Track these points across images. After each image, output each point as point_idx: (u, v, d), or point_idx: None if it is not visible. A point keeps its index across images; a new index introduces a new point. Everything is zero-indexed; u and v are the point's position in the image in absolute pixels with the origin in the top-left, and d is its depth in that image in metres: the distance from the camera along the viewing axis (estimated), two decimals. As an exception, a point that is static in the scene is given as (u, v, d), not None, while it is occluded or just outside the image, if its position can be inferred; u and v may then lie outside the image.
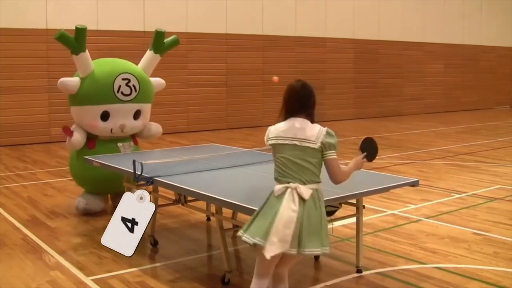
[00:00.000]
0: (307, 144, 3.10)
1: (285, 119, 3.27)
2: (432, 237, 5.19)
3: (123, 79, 6.09)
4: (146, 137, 6.67)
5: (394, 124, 15.78)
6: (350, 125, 15.26)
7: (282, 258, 3.14)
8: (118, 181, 5.60)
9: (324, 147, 3.10)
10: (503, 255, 4.69)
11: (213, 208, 4.25)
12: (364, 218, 4.49)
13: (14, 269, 4.43)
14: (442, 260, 4.59)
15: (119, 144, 6.23)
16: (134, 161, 4.45)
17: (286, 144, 3.15)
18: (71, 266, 4.48)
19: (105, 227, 3.29)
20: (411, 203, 6.45)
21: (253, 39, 15.12)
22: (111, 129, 6.14)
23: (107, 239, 3.24)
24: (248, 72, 15.06)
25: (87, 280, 4.18)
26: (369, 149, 3.52)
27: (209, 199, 4.10)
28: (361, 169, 3.57)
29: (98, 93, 6.02)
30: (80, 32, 5.94)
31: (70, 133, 6.08)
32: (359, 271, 4.27)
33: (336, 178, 3.18)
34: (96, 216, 6.02)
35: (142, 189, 3.39)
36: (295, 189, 3.04)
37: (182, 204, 4.77)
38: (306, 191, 3.04)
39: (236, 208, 3.78)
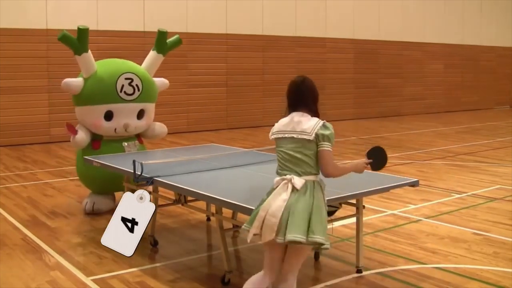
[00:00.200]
0: (303, 136, 3.15)
1: (288, 114, 3.35)
2: (432, 237, 5.19)
3: (126, 78, 6.12)
4: (150, 137, 6.70)
5: (394, 124, 15.79)
6: (350, 125, 15.25)
7: (285, 254, 3.17)
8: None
9: (318, 138, 3.14)
10: (503, 255, 4.69)
11: (213, 208, 4.25)
12: (364, 218, 4.49)
13: (14, 269, 4.43)
14: (442, 260, 4.59)
15: (124, 144, 6.25)
16: (134, 161, 4.45)
17: (285, 137, 3.23)
18: (71, 266, 4.48)
19: (105, 227, 3.29)
20: (411, 203, 6.45)
21: (253, 39, 15.12)
22: (115, 129, 6.16)
23: (107, 239, 3.24)
24: (248, 72, 15.07)
25: (87, 280, 4.18)
26: (377, 158, 3.46)
27: (209, 199, 4.10)
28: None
29: (101, 93, 6.06)
30: (82, 32, 5.99)
31: (74, 131, 6.09)
32: (359, 271, 4.27)
33: (325, 170, 3.17)
34: (96, 216, 6.02)
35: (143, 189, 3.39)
36: (290, 180, 3.11)
37: (182, 204, 4.77)
38: (299, 181, 3.11)
39: (236, 208, 3.78)
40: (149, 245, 4.96)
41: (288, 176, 3.13)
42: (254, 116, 15.26)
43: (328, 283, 4.12)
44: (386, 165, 3.53)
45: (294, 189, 3.09)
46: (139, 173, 4.44)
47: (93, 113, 6.11)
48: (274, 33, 15.49)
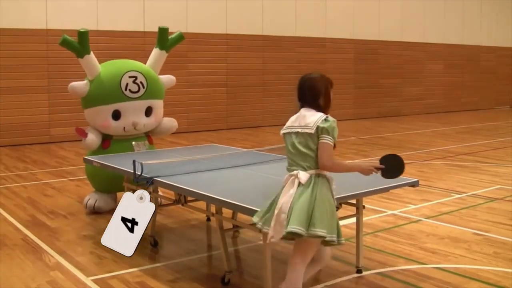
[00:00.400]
0: (306, 130, 3.21)
1: (299, 110, 3.40)
2: (432, 237, 5.19)
3: (130, 76, 6.17)
4: (161, 133, 6.75)
5: (394, 124, 15.79)
6: (350, 125, 15.25)
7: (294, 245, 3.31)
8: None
9: (318, 131, 3.18)
10: (503, 255, 4.69)
11: (213, 208, 4.25)
12: (364, 218, 4.49)
13: (14, 269, 4.43)
14: (442, 260, 4.59)
15: (134, 143, 6.28)
16: (134, 161, 4.45)
17: (292, 132, 3.31)
18: (71, 266, 4.48)
19: (105, 227, 3.29)
20: (411, 203, 6.44)
21: (253, 39, 15.12)
22: (124, 127, 6.20)
23: (107, 239, 3.24)
24: (248, 73, 15.07)
25: (87, 280, 4.18)
26: (392, 166, 3.34)
27: (209, 199, 4.10)
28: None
29: (106, 93, 6.11)
30: (83, 35, 6.05)
31: (83, 134, 6.13)
32: (359, 271, 4.27)
33: (321, 161, 3.17)
34: (96, 216, 6.02)
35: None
36: (296, 175, 3.18)
37: (182, 204, 4.76)
38: (304, 175, 3.17)
39: (236, 208, 3.78)
40: (149, 245, 4.96)
41: (295, 172, 3.21)
42: (254, 116, 15.26)
43: (328, 283, 4.12)
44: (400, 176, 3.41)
45: (300, 183, 3.15)
46: (139, 173, 4.43)
47: (101, 114, 6.15)
48: (274, 33, 15.49)
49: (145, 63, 6.58)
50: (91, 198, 6.20)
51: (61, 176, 8.31)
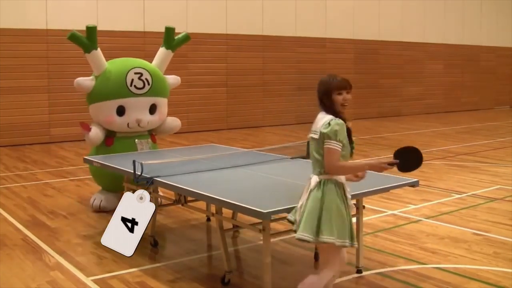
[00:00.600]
0: (315, 136, 3.24)
1: None
2: (432, 238, 5.19)
3: (135, 73, 6.24)
4: (165, 132, 6.81)
5: (394, 124, 15.79)
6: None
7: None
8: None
9: (321, 136, 3.19)
10: (503, 256, 4.69)
11: (213, 208, 4.25)
12: (364, 218, 4.49)
13: (14, 269, 4.43)
14: (442, 260, 4.59)
15: (137, 141, 6.32)
16: (134, 162, 4.45)
17: (310, 137, 3.33)
18: (71, 266, 4.48)
19: (105, 227, 3.29)
20: (411, 203, 6.45)
21: (253, 39, 15.12)
22: (128, 124, 6.24)
23: (107, 239, 3.24)
24: (248, 73, 15.06)
25: (87, 281, 4.18)
26: (408, 158, 3.25)
27: (209, 199, 4.10)
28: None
29: (111, 88, 6.17)
30: (91, 30, 6.18)
31: (87, 128, 6.16)
32: (359, 271, 4.27)
33: (326, 166, 3.18)
34: (96, 216, 6.03)
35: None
36: (309, 179, 3.24)
37: (182, 204, 4.77)
38: (314, 180, 3.21)
39: (236, 208, 3.78)
40: (149, 245, 4.96)
41: (310, 176, 3.26)
42: (254, 116, 15.26)
43: (328, 283, 4.11)
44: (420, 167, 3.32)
45: (310, 188, 3.21)
46: (139, 173, 4.43)
47: (105, 109, 6.20)
48: (274, 33, 15.49)
49: (150, 62, 6.63)
50: (96, 198, 6.24)
51: (61, 176, 8.31)
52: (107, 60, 6.52)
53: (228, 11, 14.59)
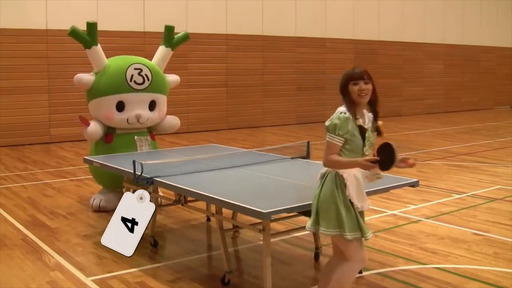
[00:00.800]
0: None
1: None
2: (432, 238, 5.19)
3: (135, 68, 6.28)
4: (164, 130, 6.81)
5: (394, 124, 15.78)
6: (350, 125, 15.23)
7: None
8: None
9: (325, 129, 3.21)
10: (503, 256, 4.69)
11: (213, 209, 4.25)
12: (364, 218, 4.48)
13: (14, 269, 4.43)
14: (442, 260, 4.59)
15: (136, 138, 6.34)
16: (134, 162, 4.45)
17: None
18: (71, 266, 4.48)
19: (105, 227, 3.29)
20: (411, 203, 6.45)
21: (253, 39, 15.12)
22: (127, 119, 6.26)
23: (107, 239, 3.24)
24: (248, 73, 15.06)
25: (87, 281, 4.18)
26: (386, 155, 3.17)
27: (209, 200, 4.10)
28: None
29: (111, 83, 6.21)
30: (92, 26, 6.25)
31: (86, 122, 6.19)
32: (359, 271, 4.26)
33: (323, 159, 3.22)
34: (96, 216, 6.03)
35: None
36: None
37: (182, 205, 4.77)
38: (321, 172, 3.27)
39: (236, 208, 3.78)
40: (149, 245, 4.95)
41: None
42: (254, 116, 15.26)
43: (328, 283, 4.11)
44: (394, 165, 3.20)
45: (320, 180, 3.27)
46: (139, 174, 4.44)
47: (105, 105, 6.23)
48: (274, 33, 15.49)
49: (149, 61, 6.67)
50: (96, 198, 6.25)
51: (61, 176, 8.31)
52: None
53: (228, 11, 14.59)
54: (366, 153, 3.19)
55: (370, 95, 3.24)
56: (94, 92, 6.29)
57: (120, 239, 3.19)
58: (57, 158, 10.10)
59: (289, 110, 15.87)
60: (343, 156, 3.16)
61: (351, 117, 3.14)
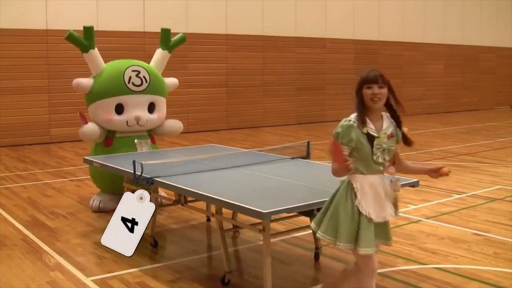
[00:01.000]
0: None
1: None
2: (432, 238, 5.19)
3: (133, 70, 6.31)
4: (165, 133, 6.84)
5: (394, 125, 15.77)
6: (350, 125, 15.23)
7: None
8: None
9: None
10: (503, 256, 4.69)
11: (213, 209, 4.25)
12: (364, 219, 4.48)
13: (14, 269, 4.43)
14: (442, 260, 4.59)
15: (136, 141, 6.34)
16: (134, 162, 4.45)
17: None
18: (71, 266, 4.48)
19: (105, 227, 3.29)
20: (411, 203, 6.45)
21: (253, 39, 15.12)
22: (127, 122, 6.26)
23: (107, 239, 3.24)
24: (248, 73, 15.06)
25: (87, 281, 4.18)
26: None
27: (209, 200, 4.10)
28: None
29: (109, 85, 6.23)
30: (88, 30, 6.29)
31: (85, 119, 6.24)
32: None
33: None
34: (96, 216, 6.03)
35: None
36: None
37: (182, 205, 4.76)
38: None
39: (236, 209, 3.78)
40: (149, 245, 4.95)
41: None
42: (254, 116, 15.26)
43: (328, 283, 4.12)
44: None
45: None
46: (139, 174, 4.44)
47: (104, 107, 6.24)
48: (274, 33, 15.49)
49: (147, 63, 6.68)
50: (96, 199, 6.26)
51: (61, 176, 8.31)
52: (105, 61, 6.56)
53: (228, 11, 14.59)
54: (379, 160, 3.06)
55: (387, 100, 3.12)
56: (93, 95, 6.29)
57: (120, 239, 3.19)
58: (57, 158, 10.10)
59: (289, 110, 15.87)
60: (357, 166, 3.04)
61: (355, 124, 3.05)
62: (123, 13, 12.92)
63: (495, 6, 21.76)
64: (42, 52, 11.87)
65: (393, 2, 18.43)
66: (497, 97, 22.24)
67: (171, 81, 6.82)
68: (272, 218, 3.61)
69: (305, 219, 4.56)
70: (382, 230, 3.17)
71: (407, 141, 3.19)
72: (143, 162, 4.49)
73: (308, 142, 5.38)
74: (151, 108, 6.43)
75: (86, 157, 5.75)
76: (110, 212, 5.93)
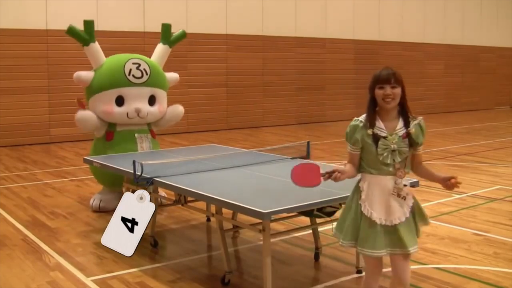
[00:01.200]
0: None
1: None
2: (432, 238, 5.19)
3: (134, 63, 6.33)
4: (167, 122, 6.77)
5: (394, 125, 15.78)
6: (350, 125, 15.24)
7: None
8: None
9: None
10: (503, 256, 4.69)
11: (213, 209, 4.25)
12: (364, 219, 4.48)
13: (14, 269, 4.43)
14: (442, 260, 4.59)
15: (136, 135, 6.35)
16: (134, 162, 4.45)
17: None
18: (71, 266, 4.48)
19: (105, 227, 3.29)
20: (411, 203, 6.43)
21: (253, 39, 15.12)
22: (127, 114, 6.26)
23: (107, 239, 3.24)
24: (248, 73, 15.07)
25: (87, 281, 4.18)
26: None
27: (209, 200, 4.10)
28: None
29: (110, 78, 6.25)
30: (89, 24, 6.38)
31: (82, 106, 6.29)
32: (359, 271, 4.27)
33: None
34: (96, 216, 6.03)
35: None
36: None
37: (182, 205, 4.76)
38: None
39: (236, 209, 3.78)
40: (149, 245, 4.95)
41: None
42: (254, 116, 15.26)
43: (328, 283, 4.12)
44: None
45: None
46: (139, 174, 4.43)
47: (104, 100, 6.24)
48: (274, 33, 15.49)
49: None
50: (96, 199, 6.26)
51: (61, 176, 8.31)
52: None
53: (228, 11, 14.59)
54: (386, 161, 2.96)
55: (399, 99, 3.02)
56: (94, 88, 6.31)
57: (120, 239, 3.18)
58: (57, 158, 10.10)
59: (289, 110, 15.87)
60: (363, 167, 3.03)
61: (361, 124, 3.00)
62: (123, 13, 12.92)
63: (495, 6, 21.76)
64: (42, 52, 11.87)
65: (393, 2, 18.43)
66: (497, 97, 22.24)
67: (172, 75, 6.84)
68: (272, 218, 3.61)
69: (305, 219, 4.57)
70: (395, 236, 2.99)
71: (411, 144, 3.12)
72: (143, 162, 4.49)
73: (308, 142, 5.38)
74: (152, 101, 6.44)
75: (86, 157, 5.76)
76: (110, 212, 5.94)
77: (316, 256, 4.59)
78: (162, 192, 5.78)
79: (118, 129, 6.35)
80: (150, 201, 3.23)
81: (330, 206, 3.89)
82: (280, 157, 5.35)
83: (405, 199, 3.04)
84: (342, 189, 3.75)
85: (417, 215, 3.13)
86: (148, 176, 4.42)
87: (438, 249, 4.86)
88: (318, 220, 4.37)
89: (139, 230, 3.16)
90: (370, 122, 2.99)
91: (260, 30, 15.27)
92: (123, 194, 6.11)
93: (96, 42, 6.40)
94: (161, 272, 4.40)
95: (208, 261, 4.80)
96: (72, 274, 4.32)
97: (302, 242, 5.00)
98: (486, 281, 4.13)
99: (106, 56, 6.57)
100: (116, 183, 6.11)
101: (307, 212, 3.94)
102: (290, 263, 4.55)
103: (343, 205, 4.12)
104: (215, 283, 4.13)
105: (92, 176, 6.85)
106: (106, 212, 6.02)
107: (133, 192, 3.30)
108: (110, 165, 5.14)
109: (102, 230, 3.29)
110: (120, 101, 6.26)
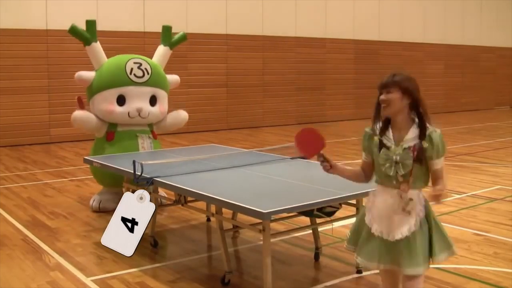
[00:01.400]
0: None
1: None
2: (432, 238, 5.18)
3: (135, 62, 6.37)
4: (170, 126, 6.81)
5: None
6: (350, 125, 15.25)
7: None
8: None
9: None
10: (503, 256, 4.69)
11: (213, 209, 4.25)
12: (364, 219, 4.48)
13: (14, 269, 4.43)
14: (442, 260, 4.58)
15: (138, 135, 6.36)
16: (134, 162, 4.45)
17: None
18: (71, 266, 4.48)
19: (105, 227, 3.29)
20: (411, 203, 6.43)
21: (253, 39, 15.12)
22: (128, 113, 6.27)
23: (107, 239, 3.24)
24: (248, 73, 15.07)
25: (87, 281, 4.18)
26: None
27: (209, 200, 4.10)
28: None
29: (111, 77, 6.28)
30: (91, 24, 6.46)
31: (81, 104, 6.26)
32: (359, 271, 4.27)
33: None
34: (96, 216, 6.03)
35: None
36: None
37: (182, 205, 4.77)
38: None
39: (236, 209, 3.78)
40: (149, 245, 4.95)
41: None
42: (254, 116, 15.26)
43: (328, 283, 4.12)
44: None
45: None
46: (139, 174, 4.43)
47: (105, 99, 6.26)
48: (274, 33, 15.49)
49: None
50: (96, 199, 6.26)
51: (61, 176, 8.31)
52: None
53: (228, 11, 14.59)
54: (388, 173, 2.80)
55: (415, 106, 2.85)
56: (95, 87, 6.32)
57: (120, 239, 3.18)
58: (57, 158, 10.10)
59: (289, 110, 15.87)
60: (376, 176, 2.92)
61: (370, 132, 2.90)
62: (123, 13, 12.92)
63: (495, 6, 21.76)
64: (42, 52, 11.87)
65: (393, 2, 18.43)
66: (497, 97, 22.24)
67: (173, 77, 6.86)
68: (272, 218, 3.61)
69: (305, 219, 4.57)
70: (395, 252, 2.81)
71: (414, 157, 2.77)
72: (143, 162, 4.49)
73: None
74: (153, 101, 6.44)
75: (86, 157, 5.76)
76: (110, 212, 5.93)
77: (316, 256, 4.59)
78: (162, 192, 5.78)
79: (119, 129, 6.36)
80: (150, 201, 3.23)
81: (330, 206, 3.89)
82: (280, 157, 5.35)
83: (409, 214, 2.78)
84: (342, 189, 3.75)
85: (436, 240, 2.84)
86: (148, 176, 4.42)
87: (438, 249, 4.85)
88: (318, 220, 4.37)
89: (139, 230, 3.16)
90: (380, 130, 2.86)
91: (260, 30, 15.27)
92: (123, 194, 6.12)
93: (98, 42, 6.43)
94: (161, 272, 4.40)
95: (208, 261, 4.80)
96: (72, 274, 4.32)
97: (302, 242, 5.00)
98: (486, 281, 4.13)
99: (107, 56, 6.58)
100: (116, 183, 6.10)
101: (307, 212, 3.94)
102: (290, 263, 4.56)
103: (343, 205, 4.15)
104: (215, 283, 4.13)
105: (92, 176, 6.84)
106: (106, 212, 6.01)
107: (133, 192, 3.30)
108: (110, 165, 5.14)
109: (102, 230, 3.29)
110: (121, 100, 6.27)
